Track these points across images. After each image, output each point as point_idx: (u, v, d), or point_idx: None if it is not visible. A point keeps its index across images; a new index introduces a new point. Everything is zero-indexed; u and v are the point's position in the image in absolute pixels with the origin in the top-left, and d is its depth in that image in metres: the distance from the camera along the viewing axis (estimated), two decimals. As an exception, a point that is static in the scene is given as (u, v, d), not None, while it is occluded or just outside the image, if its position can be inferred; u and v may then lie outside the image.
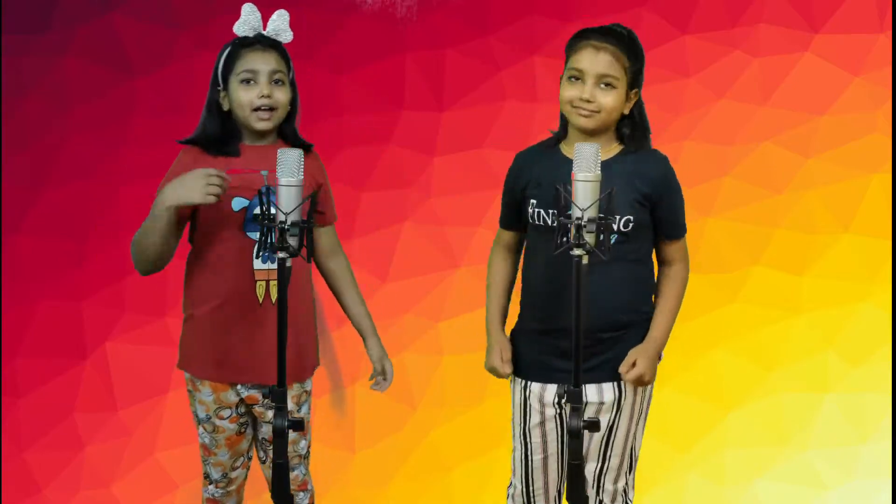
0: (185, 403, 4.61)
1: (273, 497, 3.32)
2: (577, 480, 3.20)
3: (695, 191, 4.73)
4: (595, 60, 3.36)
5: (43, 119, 4.82)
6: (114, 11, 4.81)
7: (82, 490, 4.73)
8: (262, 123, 3.45)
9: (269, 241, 3.19)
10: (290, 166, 3.20)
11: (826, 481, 4.65)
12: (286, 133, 3.54)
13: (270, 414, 3.53)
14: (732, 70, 4.72)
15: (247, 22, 3.53)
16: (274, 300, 3.45)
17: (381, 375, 3.67)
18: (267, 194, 3.23)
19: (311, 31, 4.77)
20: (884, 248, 4.64)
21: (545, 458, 3.52)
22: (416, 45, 4.79)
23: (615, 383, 3.45)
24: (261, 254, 3.38)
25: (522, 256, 3.58)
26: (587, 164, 3.14)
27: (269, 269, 3.45)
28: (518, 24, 4.76)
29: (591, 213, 3.12)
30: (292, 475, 3.59)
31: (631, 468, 3.54)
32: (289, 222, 3.17)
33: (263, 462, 3.65)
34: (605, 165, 3.30)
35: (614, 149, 3.45)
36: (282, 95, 3.47)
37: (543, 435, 3.50)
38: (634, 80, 3.43)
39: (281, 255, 3.19)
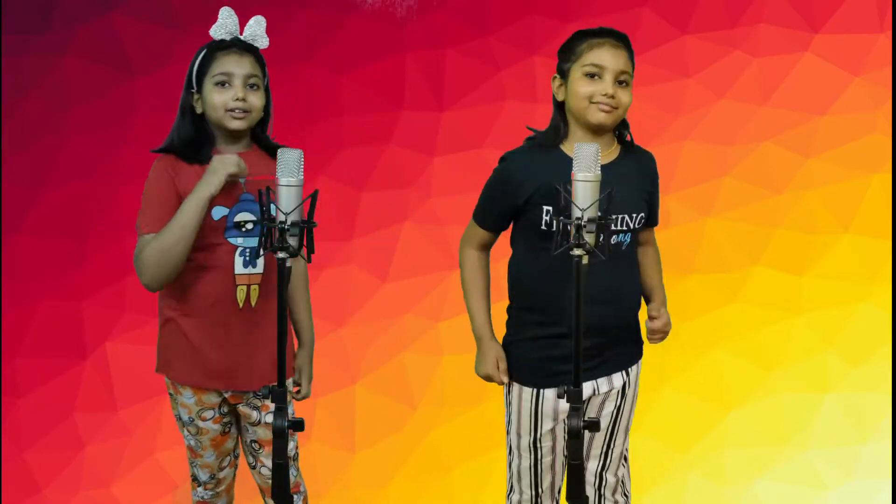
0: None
1: (273, 497, 3.32)
2: (577, 480, 3.20)
3: (695, 191, 4.74)
4: (615, 57, 3.38)
5: (43, 119, 4.82)
6: (114, 11, 4.81)
7: (82, 490, 4.73)
8: (235, 122, 3.44)
9: (268, 241, 3.19)
10: (290, 166, 3.19)
11: (826, 481, 4.66)
12: (259, 138, 3.53)
13: (255, 414, 3.54)
14: (732, 70, 4.72)
15: (223, 25, 3.52)
16: (254, 304, 3.46)
17: (295, 384, 3.65)
18: (267, 196, 3.22)
19: (311, 31, 4.77)
20: (884, 248, 4.64)
21: (553, 460, 3.52)
22: (416, 45, 4.80)
23: (623, 371, 3.51)
24: (264, 253, 3.37)
25: (518, 263, 3.51)
26: (587, 163, 3.13)
27: (250, 274, 3.47)
28: (518, 24, 4.76)
29: (591, 213, 3.12)
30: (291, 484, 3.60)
31: (627, 457, 3.56)
32: (289, 222, 3.17)
33: (253, 467, 3.63)
34: (616, 165, 3.34)
35: (616, 148, 3.46)
36: (256, 100, 3.46)
37: (553, 438, 3.50)
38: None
39: (281, 255, 3.19)
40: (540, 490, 3.52)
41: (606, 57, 3.37)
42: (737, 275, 4.72)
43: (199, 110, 3.47)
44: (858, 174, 4.68)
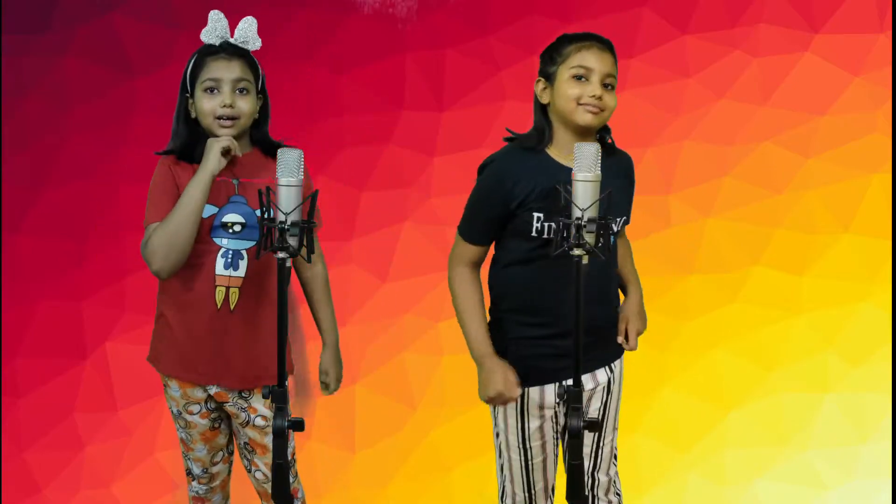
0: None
1: (273, 497, 3.32)
2: (577, 480, 3.20)
3: (695, 191, 4.74)
4: (602, 60, 3.39)
5: (43, 119, 4.82)
6: (114, 11, 4.80)
7: (82, 490, 4.73)
8: (223, 131, 3.45)
9: (269, 241, 3.19)
10: (290, 166, 3.20)
11: (826, 481, 4.65)
12: (256, 140, 3.52)
13: (243, 415, 3.54)
14: (732, 70, 4.72)
15: (213, 30, 3.52)
16: (233, 307, 3.46)
17: (323, 385, 3.72)
18: (267, 197, 3.22)
19: (311, 31, 4.77)
20: (884, 248, 4.64)
21: (544, 460, 3.51)
22: (416, 45, 4.79)
23: (607, 367, 3.51)
24: (265, 253, 3.37)
25: (504, 268, 3.49)
26: (588, 163, 3.14)
27: (229, 276, 3.48)
28: (518, 24, 4.76)
29: (592, 213, 3.12)
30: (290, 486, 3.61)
31: (616, 456, 3.56)
32: (289, 222, 3.17)
33: (249, 471, 3.64)
34: (605, 167, 3.30)
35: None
36: (245, 104, 3.46)
37: (542, 437, 3.49)
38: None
39: (281, 255, 3.19)
40: (533, 491, 3.52)
41: (594, 59, 3.38)
42: (737, 275, 4.72)
43: (193, 115, 3.48)
44: (858, 174, 4.68)
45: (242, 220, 3.45)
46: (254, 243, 3.39)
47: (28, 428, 4.76)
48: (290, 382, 3.63)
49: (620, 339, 3.55)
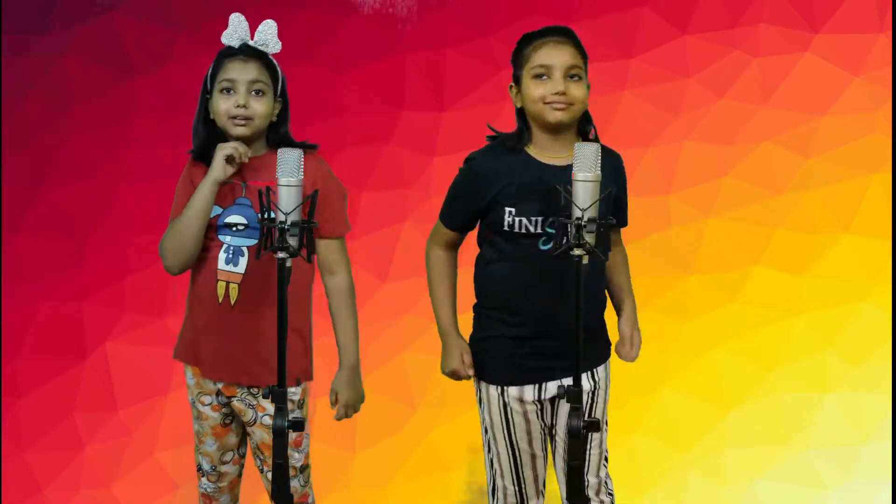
0: (184, 403, 4.61)
1: (273, 497, 3.32)
2: (576, 481, 3.20)
3: (695, 191, 4.74)
4: (560, 54, 3.36)
5: (43, 119, 4.82)
6: (114, 11, 4.81)
7: (82, 490, 4.73)
8: (237, 129, 3.47)
9: (269, 241, 3.20)
10: (290, 166, 3.20)
11: (826, 481, 4.65)
12: (273, 142, 3.53)
13: (250, 412, 3.55)
14: (732, 70, 4.72)
15: (233, 32, 3.55)
16: (233, 302, 3.48)
17: (333, 405, 3.61)
18: (269, 197, 3.23)
19: (311, 31, 4.77)
20: (884, 248, 4.64)
21: (532, 454, 3.51)
22: (416, 45, 4.79)
23: (589, 373, 3.47)
24: (265, 252, 3.38)
25: (484, 262, 3.51)
26: (588, 164, 3.14)
27: (230, 272, 3.50)
28: (518, 24, 4.74)
29: (592, 213, 3.12)
30: (290, 487, 3.59)
31: (607, 458, 3.55)
32: (288, 222, 3.17)
33: (262, 471, 3.65)
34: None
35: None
36: (259, 106, 3.48)
37: (528, 434, 3.50)
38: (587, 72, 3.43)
39: (281, 255, 3.19)
40: (523, 484, 3.53)
41: (551, 55, 3.36)
42: (737, 275, 4.72)
43: (211, 115, 3.52)
44: (858, 174, 4.68)
45: (245, 222, 3.49)
46: (256, 241, 3.40)
47: (28, 428, 4.76)
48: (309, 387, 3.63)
49: (620, 350, 3.52)
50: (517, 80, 3.43)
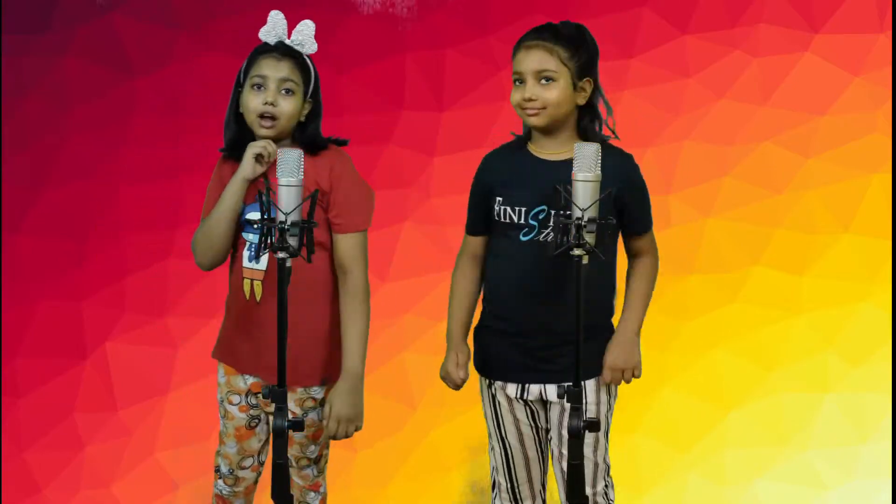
0: (184, 403, 4.62)
1: (272, 497, 3.32)
2: (576, 480, 3.20)
3: (695, 191, 4.74)
4: (528, 59, 3.36)
5: (43, 119, 4.82)
6: (114, 11, 4.81)
7: (82, 490, 4.73)
8: (262, 130, 3.48)
9: (269, 240, 3.20)
10: (290, 166, 3.20)
11: (826, 481, 4.65)
12: (299, 140, 3.53)
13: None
14: (732, 70, 4.72)
15: (271, 29, 3.57)
16: (259, 299, 3.49)
17: (325, 417, 3.50)
18: (267, 196, 3.24)
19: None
20: (884, 248, 4.64)
21: (525, 454, 3.51)
22: (416, 45, 4.79)
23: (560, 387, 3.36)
24: (264, 252, 3.38)
25: (488, 260, 3.53)
26: (587, 164, 3.14)
27: (253, 269, 3.51)
28: (518, 24, 4.72)
29: (592, 213, 3.12)
30: (303, 473, 3.61)
31: (607, 468, 3.50)
32: (289, 222, 3.18)
33: (291, 465, 3.64)
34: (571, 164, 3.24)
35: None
36: (287, 105, 3.47)
37: (518, 432, 3.50)
38: (582, 71, 3.39)
39: (281, 255, 3.20)
40: (516, 482, 3.53)
41: (521, 61, 3.37)
42: (737, 275, 4.71)
43: (241, 110, 3.52)
44: (858, 174, 4.68)
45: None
46: None
47: (28, 428, 4.76)
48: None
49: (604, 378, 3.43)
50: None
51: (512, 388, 3.47)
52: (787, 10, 4.69)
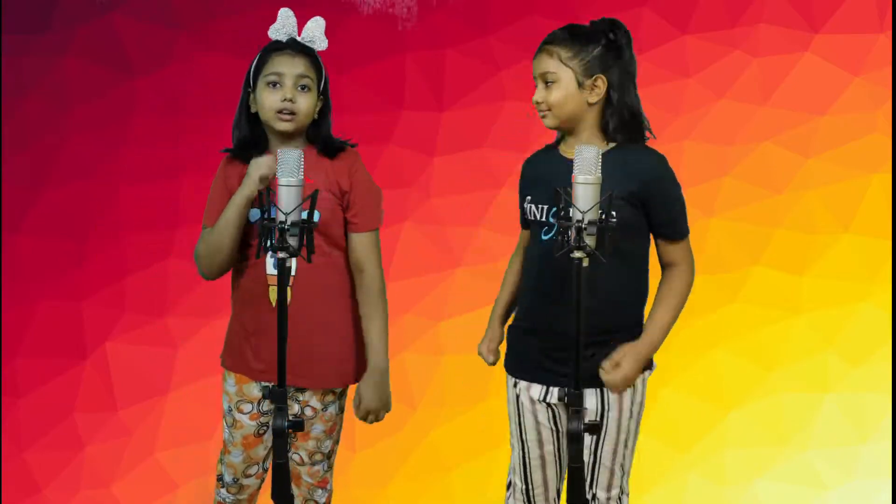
0: (184, 403, 4.61)
1: (273, 497, 3.32)
2: (577, 483, 3.19)
3: (695, 191, 4.73)
4: (535, 63, 3.43)
5: (43, 119, 4.82)
6: (114, 11, 4.81)
7: (82, 490, 4.73)
8: (283, 125, 3.47)
9: (269, 241, 3.20)
10: (289, 166, 3.20)
11: (826, 481, 4.66)
12: (313, 139, 3.54)
13: (296, 406, 3.54)
14: (732, 70, 4.72)
15: (282, 26, 3.56)
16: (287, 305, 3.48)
17: (356, 409, 3.57)
18: (268, 195, 3.24)
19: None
20: (884, 248, 4.64)
21: (542, 457, 3.51)
22: (416, 45, 4.80)
23: (598, 390, 3.40)
24: (264, 253, 3.38)
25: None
26: (587, 166, 3.13)
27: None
28: (518, 24, 4.76)
29: (592, 215, 3.12)
30: (314, 469, 3.62)
31: (624, 476, 3.49)
32: (289, 222, 3.18)
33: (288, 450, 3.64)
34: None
35: (601, 147, 3.36)
36: (305, 102, 3.48)
37: (538, 434, 3.49)
38: (589, 69, 3.39)
39: (281, 255, 3.20)
40: (531, 484, 3.52)
41: (533, 66, 3.43)
42: (737, 275, 4.72)
43: (253, 110, 3.52)
44: (858, 174, 4.69)
45: None
46: None
47: (28, 428, 4.77)
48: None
49: (604, 365, 3.40)
50: None
51: (536, 390, 3.46)
52: (787, 10, 4.69)
